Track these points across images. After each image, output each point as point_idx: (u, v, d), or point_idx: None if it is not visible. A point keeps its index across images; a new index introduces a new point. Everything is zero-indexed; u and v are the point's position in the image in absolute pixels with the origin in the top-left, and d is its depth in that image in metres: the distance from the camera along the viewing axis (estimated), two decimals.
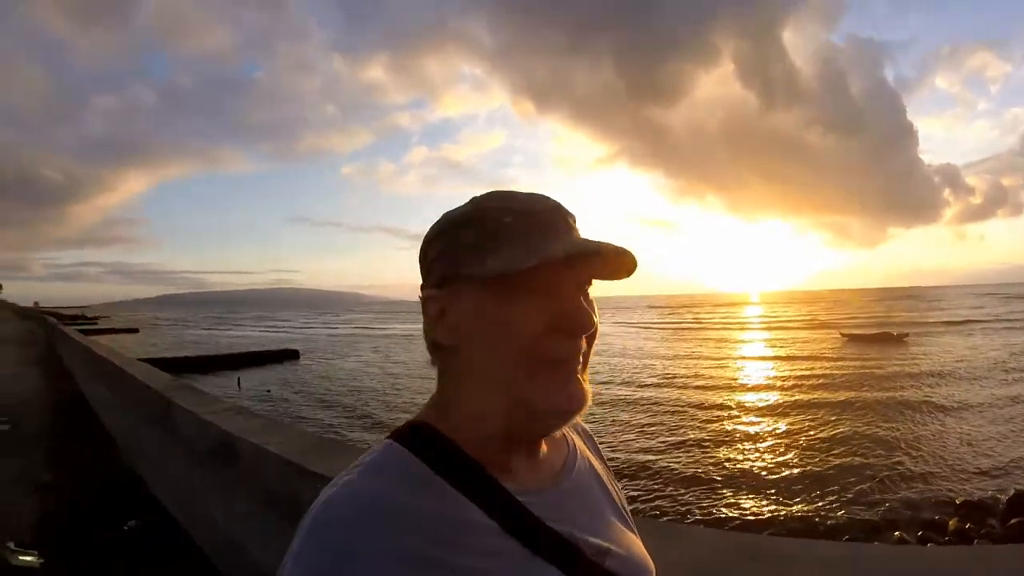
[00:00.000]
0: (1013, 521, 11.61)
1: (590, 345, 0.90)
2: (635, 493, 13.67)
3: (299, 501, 3.33)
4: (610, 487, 1.05)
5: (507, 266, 0.82)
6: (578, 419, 0.92)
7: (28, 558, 4.17)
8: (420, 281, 0.94)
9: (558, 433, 0.98)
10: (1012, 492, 12.87)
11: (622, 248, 0.86)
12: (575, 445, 1.03)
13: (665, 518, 12.04)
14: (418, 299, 0.93)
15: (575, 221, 0.92)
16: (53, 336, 28.35)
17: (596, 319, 0.89)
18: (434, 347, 0.91)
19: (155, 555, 5.02)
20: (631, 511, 1.08)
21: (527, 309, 0.84)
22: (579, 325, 0.86)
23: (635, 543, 0.97)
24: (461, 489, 0.81)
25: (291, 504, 3.48)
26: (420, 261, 0.95)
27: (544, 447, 0.95)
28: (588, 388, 0.88)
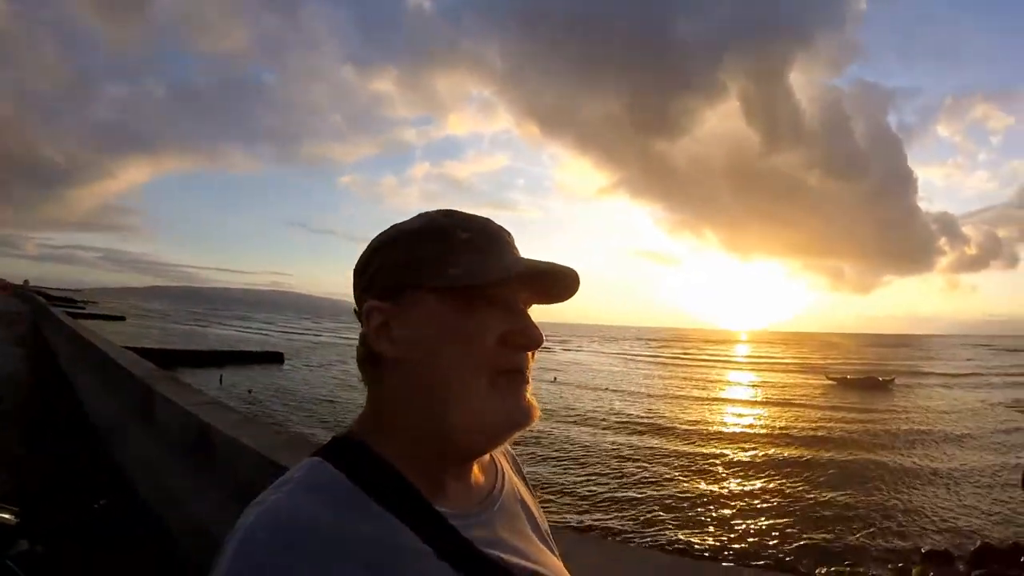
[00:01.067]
0: (978, 572, 11.68)
1: (531, 361, 0.92)
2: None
3: None
4: (534, 510, 1.04)
5: (472, 278, 0.84)
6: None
7: (6, 515, 4.21)
8: None
9: (486, 456, 0.98)
10: (979, 543, 12.94)
11: (572, 270, 0.89)
12: (503, 467, 1.03)
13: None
14: (354, 310, 0.93)
15: (515, 242, 0.95)
16: (40, 316, 28.32)
17: None
18: (371, 360, 0.90)
19: (122, 537, 5.10)
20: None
21: (487, 321, 0.85)
22: (533, 339, 0.88)
23: (559, 566, 0.97)
24: (394, 512, 0.80)
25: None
26: (359, 271, 0.93)
27: (475, 469, 0.95)
28: (535, 402, 0.89)
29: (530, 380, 0.90)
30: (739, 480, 18.92)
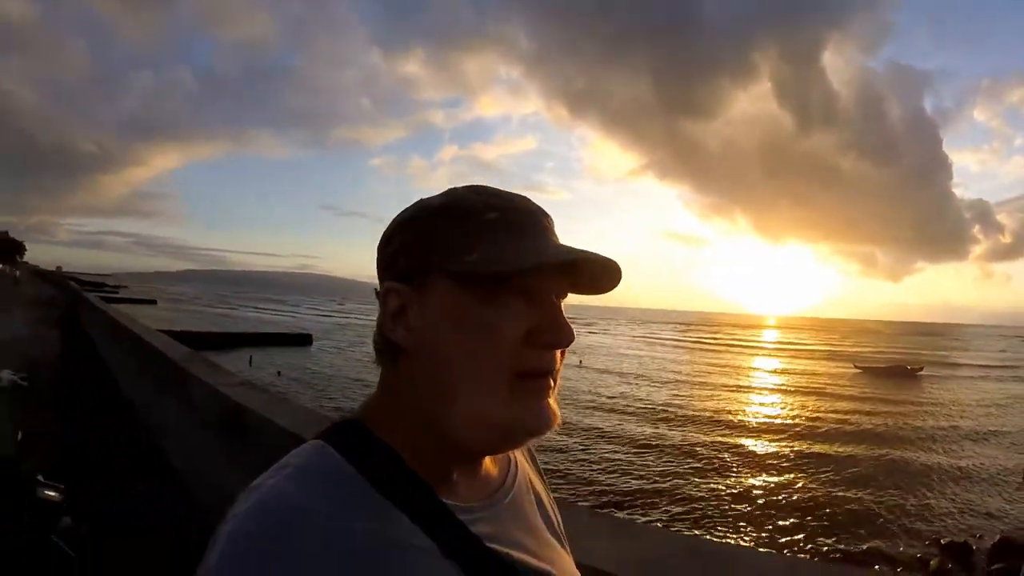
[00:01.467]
0: (996, 566, 11.62)
1: (561, 363, 0.83)
2: None
3: None
4: (547, 504, 0.98)
5: (492, 265, 0.76)
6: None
7: (52, 492, 4.36)
8: None
9: None
10: (998, 536, 12.86)
11: (612, 260, 0.81)
12: (515, 459, 0.96)
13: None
14: (375, 290, 0.84)
15: (553, 226, 0.86)
16: (75, 301, 28.94)
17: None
18: (386, 346, 0.82)
19: (160, 515, 5.31)
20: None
21: (510, 314, 0.77)
22: (562, 337, 0.79)
23: (570, 565, 0.91)
24: (397, 503, 0.74)
25: None
26: (380, 249, 0.85)
27: (486, 460, 0.88)
28: (556, 407, 0.81)
29: (557, 382, 0.82)
30: (762, 473, 18.63)
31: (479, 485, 0.85)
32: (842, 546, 12.58)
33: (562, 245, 0.81)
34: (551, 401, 0.79)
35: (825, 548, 12.65)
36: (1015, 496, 16.47)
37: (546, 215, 0.85)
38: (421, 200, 0.85)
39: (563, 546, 0.93)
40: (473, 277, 0.76)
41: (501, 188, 0.86)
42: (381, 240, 0.85)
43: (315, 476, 0.73)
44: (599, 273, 0.82)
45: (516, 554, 0.80)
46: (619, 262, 0.81)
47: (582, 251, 0.78)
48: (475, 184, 0.86)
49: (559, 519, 0.98)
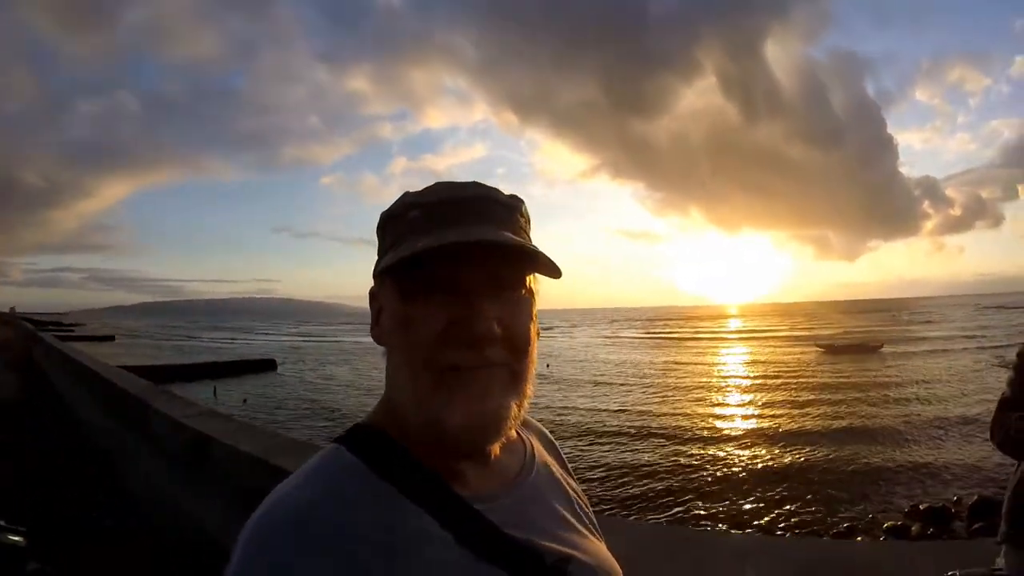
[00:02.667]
0: (977, 525, 11.78)
1: (516, 357, 0.81)
2: None
3: None
4: (571, 492, 0.97)
5: (388, 263, 0.77)
6: (502, 436, 0.81)
7: (16, 537, 4.25)
8: None
9: (513, 434, 0.88)
10: (975, 497, 12.99)
11: (507, 242, 0.77)
12: (532, 447, 0.96)
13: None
14: None
15: (512, 211, 0.85)
16: (30, 341, 28.29)
17: (532, 327, 0.83)
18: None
19: (129, 554, 5.21)
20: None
21: (426, 309, 0.77)
22: (470, 332, 0.76)
23: (600, 549, 0.91)
24: (412, 497, 0.76)
25: (261, 500, 3.70)
26: None
27: (497, 450, 0.87)
28: (506, 406, 0.79)
29: (521, 379, 0.82)
30: (732, 461, 18.28)
31: (493, 475, 0.86)
32: (821, 525, 12.63)
33: (470, 231, 0.77)
34: (486, 401, 0.77)
35: (804, 528, 12.68)
36: (989, 459, 16.58)
37: (483, 200, 0.82)
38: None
39: (593, 531, 0.95)
40: (400, 276, 0.79)
41: (453, 181, 0.86)
42: None
43: (330, 475, 0.77)
44: (490, 258, 0.78)
45: (538, 539, 0.81)
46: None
47: (455, 237, 0.75)
48: (435, 183, 0.85)
49: (586, 503, 0.99)
